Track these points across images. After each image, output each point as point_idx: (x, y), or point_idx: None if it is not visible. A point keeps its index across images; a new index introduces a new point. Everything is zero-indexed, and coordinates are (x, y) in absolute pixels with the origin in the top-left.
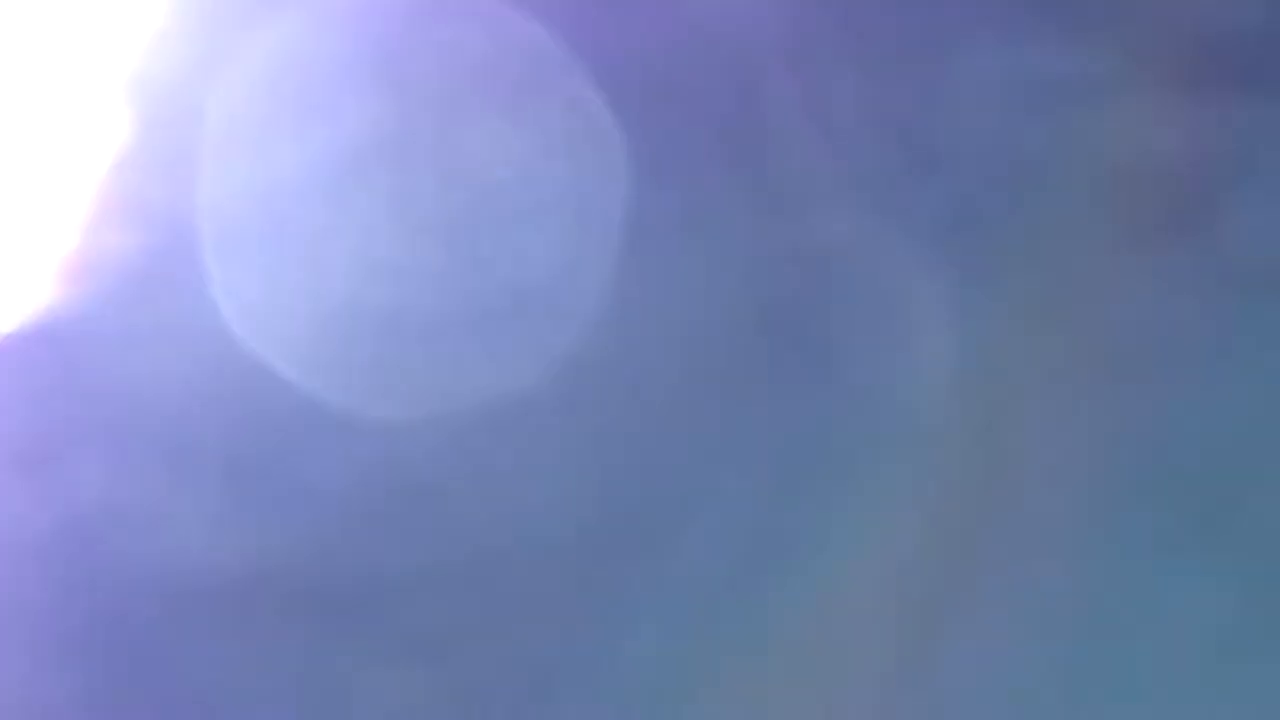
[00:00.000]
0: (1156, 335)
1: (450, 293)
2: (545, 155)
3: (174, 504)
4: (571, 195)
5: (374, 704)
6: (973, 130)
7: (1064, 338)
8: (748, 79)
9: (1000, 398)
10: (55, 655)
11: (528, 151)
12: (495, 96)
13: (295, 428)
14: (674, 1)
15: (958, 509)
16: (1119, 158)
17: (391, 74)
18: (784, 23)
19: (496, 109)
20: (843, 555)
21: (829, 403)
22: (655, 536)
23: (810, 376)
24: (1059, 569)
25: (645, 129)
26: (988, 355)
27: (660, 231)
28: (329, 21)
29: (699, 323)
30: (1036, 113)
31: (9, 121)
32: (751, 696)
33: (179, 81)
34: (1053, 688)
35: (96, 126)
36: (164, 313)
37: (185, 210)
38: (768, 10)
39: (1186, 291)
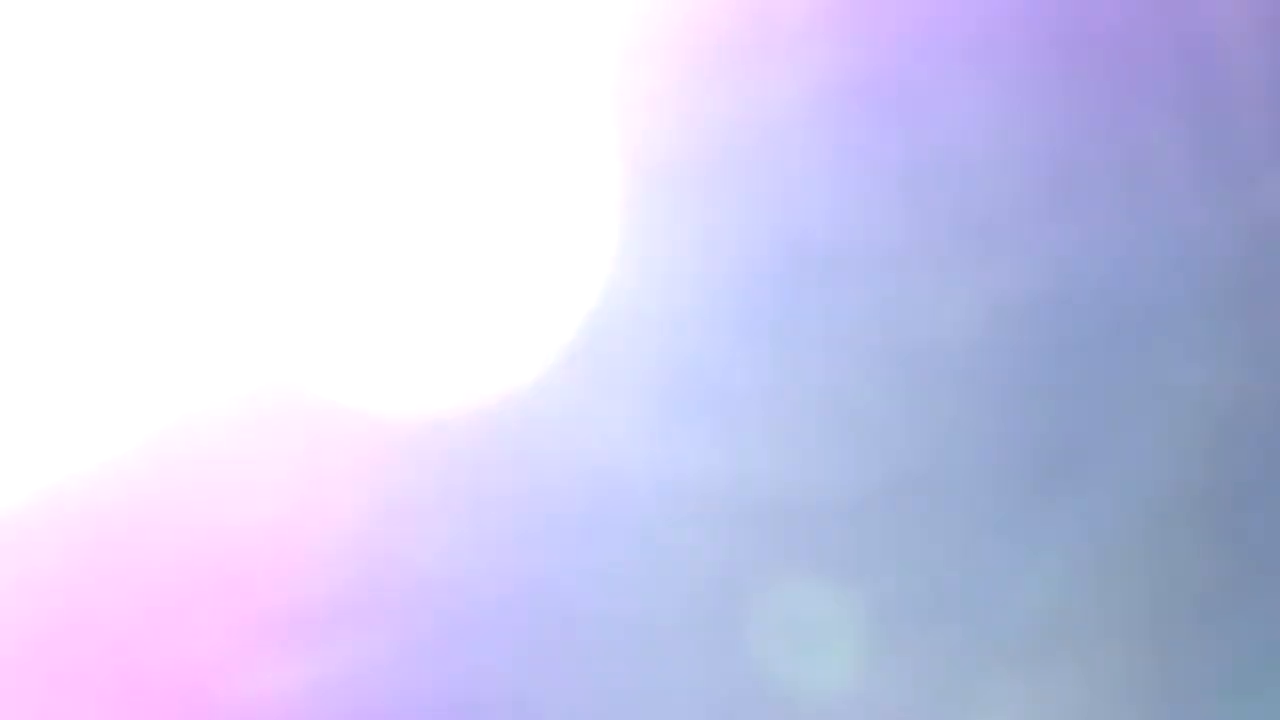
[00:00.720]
0: None
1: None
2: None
3: (608, 412)
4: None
5: (783, 618)
6: None
7: None
8: (1207, 48)
9: None
10: (488, 553)
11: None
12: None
13: (724, 341)
14: None
15: None
16: None
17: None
18: None
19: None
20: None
21: (1253, 374)
22: (1074, 484)
23: (1239, 347)
24: None
25: (1099, 98)
26: None
27: (1105, 193)
28: None
29: (1137, 283)
30: None
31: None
32: (1145, 640)
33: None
34: None
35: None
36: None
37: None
38: None
39: None
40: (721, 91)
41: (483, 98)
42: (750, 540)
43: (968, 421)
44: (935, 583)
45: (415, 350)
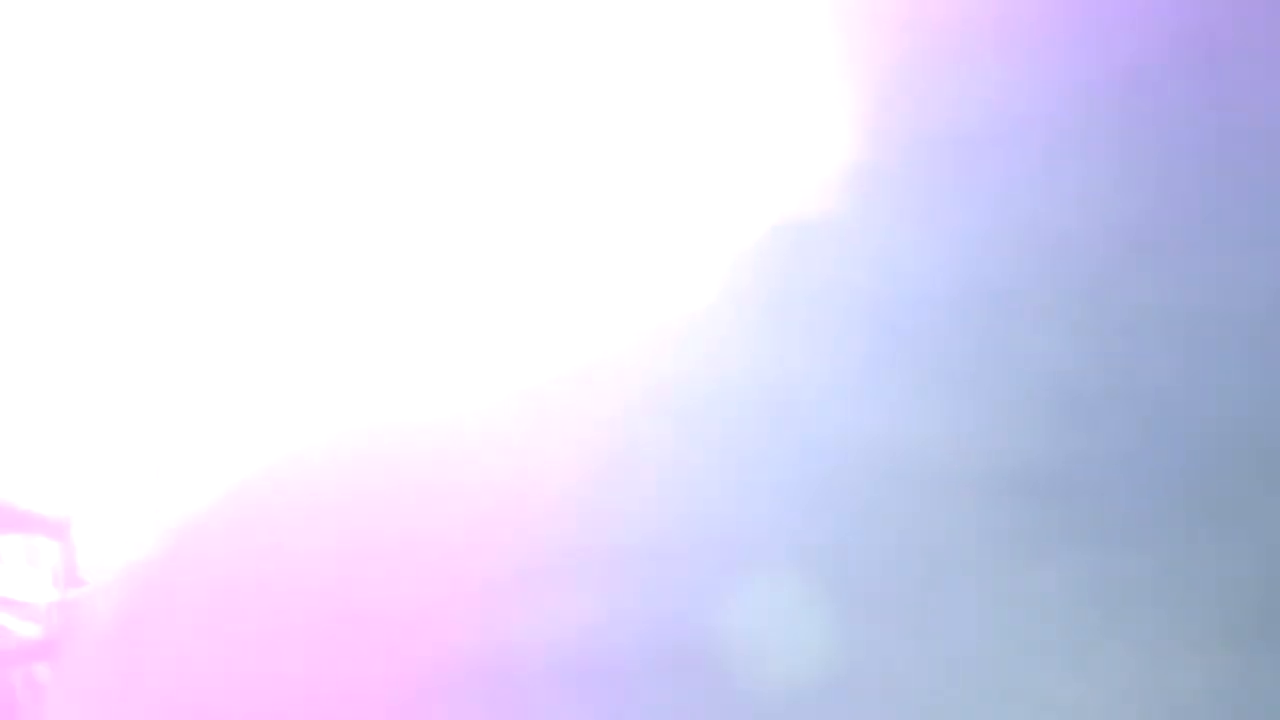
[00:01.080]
0: None
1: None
2: None
3: (888, 386)
4: None
5: (1069, 580)
6: None
7: None
8: None
9: None
10: (713, 517)
11: None
12: None
13: (1007, 321)
14: None
15: None
16: None
17: None
18: None
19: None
20: None
21: None
22: None
23: None
24: None
25: None
26: None
27: None
28: None
29: None
30: None
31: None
32: None
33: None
34: None
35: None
36: (901, 216)
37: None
38: None
39: None
40: (969, 85)
41: (723, 79)
42: (1026, 502)
43: (1193, 405)
44: (1159, 561)
45: (649, 324)
